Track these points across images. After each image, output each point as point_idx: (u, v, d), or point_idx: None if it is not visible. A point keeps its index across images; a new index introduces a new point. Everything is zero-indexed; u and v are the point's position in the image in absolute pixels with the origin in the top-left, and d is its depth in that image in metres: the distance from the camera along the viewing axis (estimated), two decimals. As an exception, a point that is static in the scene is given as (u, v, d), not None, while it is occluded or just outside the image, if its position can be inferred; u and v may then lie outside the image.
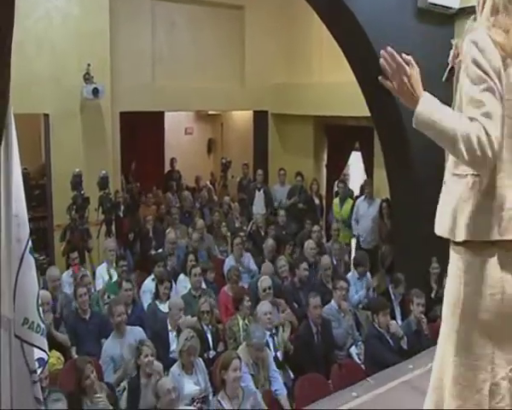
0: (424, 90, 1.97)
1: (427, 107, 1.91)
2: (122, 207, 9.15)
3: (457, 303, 2.01)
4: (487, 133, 1.81)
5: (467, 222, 1.96)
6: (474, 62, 1.87)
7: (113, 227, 8.29)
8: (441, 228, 2.06)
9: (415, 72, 1.96)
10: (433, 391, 2.16)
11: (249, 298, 6.04)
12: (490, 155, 1.82)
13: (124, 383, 4.96)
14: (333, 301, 6.28)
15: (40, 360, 2.30)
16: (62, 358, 5.44)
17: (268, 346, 5.46)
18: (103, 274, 7.21)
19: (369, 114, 7.44)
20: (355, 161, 10.70)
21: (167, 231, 8.38)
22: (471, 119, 1.84)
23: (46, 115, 8.55)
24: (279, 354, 5.53)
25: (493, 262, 1.95)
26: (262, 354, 5.12)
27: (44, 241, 8.81)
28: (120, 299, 5.93)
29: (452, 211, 2.01)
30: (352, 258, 8.49)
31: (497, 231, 1.94)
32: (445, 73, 2.41)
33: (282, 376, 5.33)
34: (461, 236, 1.98)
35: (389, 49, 1.97)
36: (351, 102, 8.45)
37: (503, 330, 1.98)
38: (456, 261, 2.04)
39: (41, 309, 2.35)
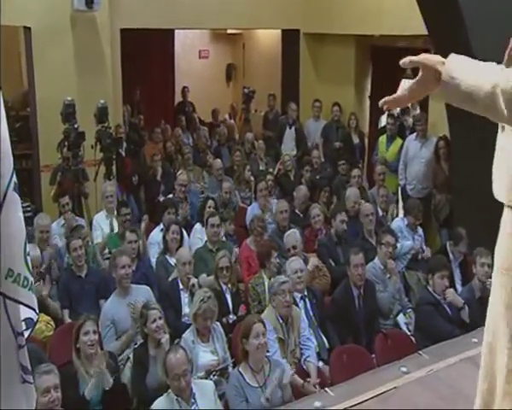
0: None
1: (451, 83, 1.83)
2: (124, 145, 9.10)
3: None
4: None
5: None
6: None
7: (114, 168, 8.23)
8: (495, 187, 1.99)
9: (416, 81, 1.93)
10: (484, 381, 2.04)
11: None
12: None
13: (128, 352, 4.99)
14: (377, 260, 6.23)
15: (28, 320, 2.23)
16: (53, 323, 5.46)
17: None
18: (102, 224, 7.22)
19: (425, 33, 7.18)
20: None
21: (178, 173, 8.33)
22: None
23: (27, 29, 8.29)
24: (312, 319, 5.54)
25: None
26: (289, 304, 5.11)
27: (29, 184, 8.73)
28: (125, 250, 5.91)
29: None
30: (399, 208, 8.40)
31: None
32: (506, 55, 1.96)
33: (316, 346, 5.34)
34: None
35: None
36: (402, 16, 8.18)
37: None
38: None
39: (29, 259, 2.26)
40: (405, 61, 1.95)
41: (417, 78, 1.92)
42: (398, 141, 9.11)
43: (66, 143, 7.72)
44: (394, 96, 1.99)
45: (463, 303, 5.42)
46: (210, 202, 7.25)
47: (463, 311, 5.39)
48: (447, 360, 4.05)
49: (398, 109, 10.42)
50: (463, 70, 1.81)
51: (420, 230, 7.33)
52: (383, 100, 2.01)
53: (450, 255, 6.42)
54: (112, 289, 5.58)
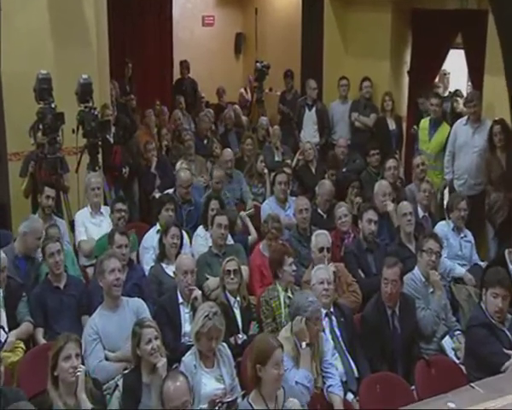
0: None
1: None
2: (112, 129, 9.10)
3: None
4: None
5: None
6: None
7: (100, 157, 8.24)
8: None
9: None
10: None
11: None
12: None
13: (115, 379, 4.97)
14: (417, 270, 6.21)
15: (-5, 340, 2.21)
16: (23, 345, 5.37)
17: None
18: (86, 222, 7.24)
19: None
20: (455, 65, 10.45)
21: (178, 164, 8.35)
22: None
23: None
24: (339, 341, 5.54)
25: None
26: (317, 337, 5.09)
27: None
28: (115, 253, 5.86)
29: None
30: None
31: None
32: None
33: (343, 374, 5.34)
34: None
35: None
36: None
37: None
38: None
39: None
40: None
41: None
42: (445, 128, 8.98)
43: (40, 127, 7.70)
44: None
45: None
46: (213, 202, 7.27)
47: None
48: (508, 396, 3.96)
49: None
50: None
51: (469, 234, 7.28)
52: None
53: (510, 267, 6.33)
54: (96, 304, 5.54)
